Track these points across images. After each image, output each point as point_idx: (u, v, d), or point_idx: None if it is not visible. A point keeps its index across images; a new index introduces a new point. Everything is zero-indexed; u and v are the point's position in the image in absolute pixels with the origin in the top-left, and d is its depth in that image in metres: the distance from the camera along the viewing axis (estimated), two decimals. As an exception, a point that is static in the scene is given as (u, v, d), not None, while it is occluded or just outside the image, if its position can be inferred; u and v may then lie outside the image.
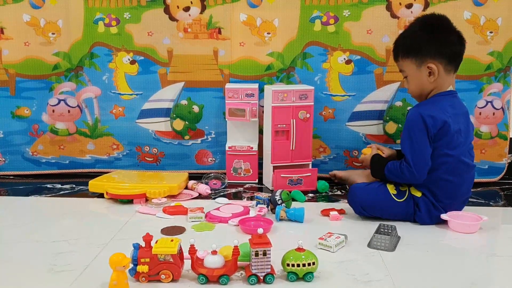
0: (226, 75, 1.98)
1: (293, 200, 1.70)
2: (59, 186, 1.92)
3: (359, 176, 1.84)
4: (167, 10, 1.93)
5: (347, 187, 1.87)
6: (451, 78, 1.57)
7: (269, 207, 1.63)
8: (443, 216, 1.49)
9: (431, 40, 1.52)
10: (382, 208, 1.55)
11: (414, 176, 1.49)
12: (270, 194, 1.65)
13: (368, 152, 1.71)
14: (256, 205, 1.64)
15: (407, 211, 1.54)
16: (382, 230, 1.38)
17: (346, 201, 1.63)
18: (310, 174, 1.86)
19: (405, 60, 1.57)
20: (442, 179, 1.50)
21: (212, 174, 1.94)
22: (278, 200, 1.60)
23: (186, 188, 1.87)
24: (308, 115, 1.85)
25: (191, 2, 1.92)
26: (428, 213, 1.52)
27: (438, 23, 1.56)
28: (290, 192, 1.68)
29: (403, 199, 1.53)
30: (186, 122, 2.03)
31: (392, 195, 1.54)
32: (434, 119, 1.47)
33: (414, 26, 1.59)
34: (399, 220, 1.53)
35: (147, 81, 1.99)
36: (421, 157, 1.48)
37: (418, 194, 1.53)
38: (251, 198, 1.77)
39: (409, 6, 1.88)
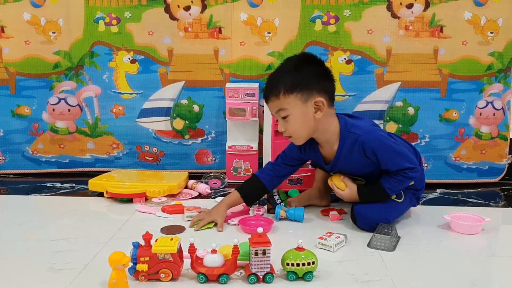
0: (226, 75, 1.98)
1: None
2: (59, 185, 1.92)
3: (318, 198, 1.71)
4: (167, 10, 1.93)
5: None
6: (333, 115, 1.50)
7: (266, 206, 1.62)
8: (445, 217, 1.49)
9: (317, 73, 1.44)
10: (391, 214, 1.49)
11: (418, 171, 1.48)
12: (267, 195, 1.64)
13: (341, 187, 1.52)
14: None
15: (411, 203, 1.58)
16: (382, 230, 1.38)
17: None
18: (309, 174, 1.85)
19: (288, 97, 1.41)
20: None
21: (212, 174, 1.94)
22: (277, 200, 1.59)
23: (186, 187, 1.87)
24: (308, 115, 1.85)
25: (192, 2, 1.92)
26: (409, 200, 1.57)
27: (315, 59, 1.48)
28: (286, 192, 1.68)
29: (403, 198, 1.53)
30: (186, 122, 2.03)
31: (393, 199, 1.52)
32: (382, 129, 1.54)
33: (288, 65, 1.47)
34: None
35: (148, 80, 1.99)
36: (407, 152, 1.48)
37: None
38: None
39: (409, 6, 1.87)
